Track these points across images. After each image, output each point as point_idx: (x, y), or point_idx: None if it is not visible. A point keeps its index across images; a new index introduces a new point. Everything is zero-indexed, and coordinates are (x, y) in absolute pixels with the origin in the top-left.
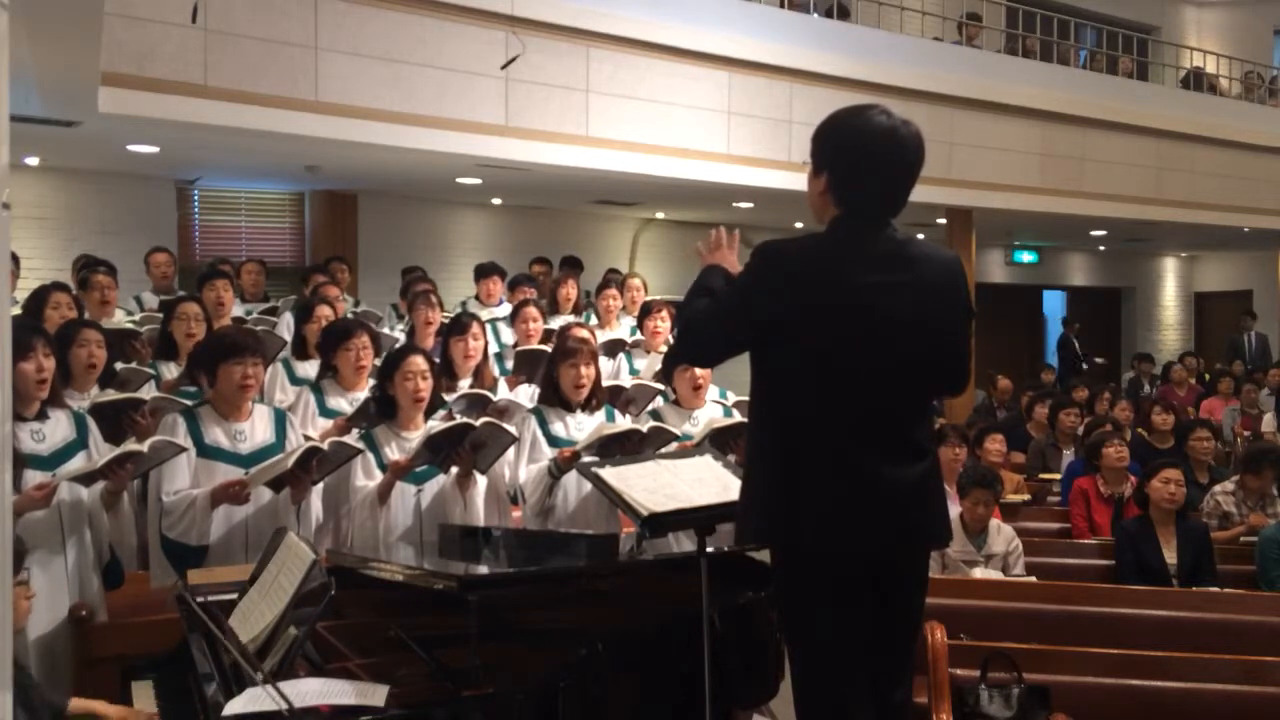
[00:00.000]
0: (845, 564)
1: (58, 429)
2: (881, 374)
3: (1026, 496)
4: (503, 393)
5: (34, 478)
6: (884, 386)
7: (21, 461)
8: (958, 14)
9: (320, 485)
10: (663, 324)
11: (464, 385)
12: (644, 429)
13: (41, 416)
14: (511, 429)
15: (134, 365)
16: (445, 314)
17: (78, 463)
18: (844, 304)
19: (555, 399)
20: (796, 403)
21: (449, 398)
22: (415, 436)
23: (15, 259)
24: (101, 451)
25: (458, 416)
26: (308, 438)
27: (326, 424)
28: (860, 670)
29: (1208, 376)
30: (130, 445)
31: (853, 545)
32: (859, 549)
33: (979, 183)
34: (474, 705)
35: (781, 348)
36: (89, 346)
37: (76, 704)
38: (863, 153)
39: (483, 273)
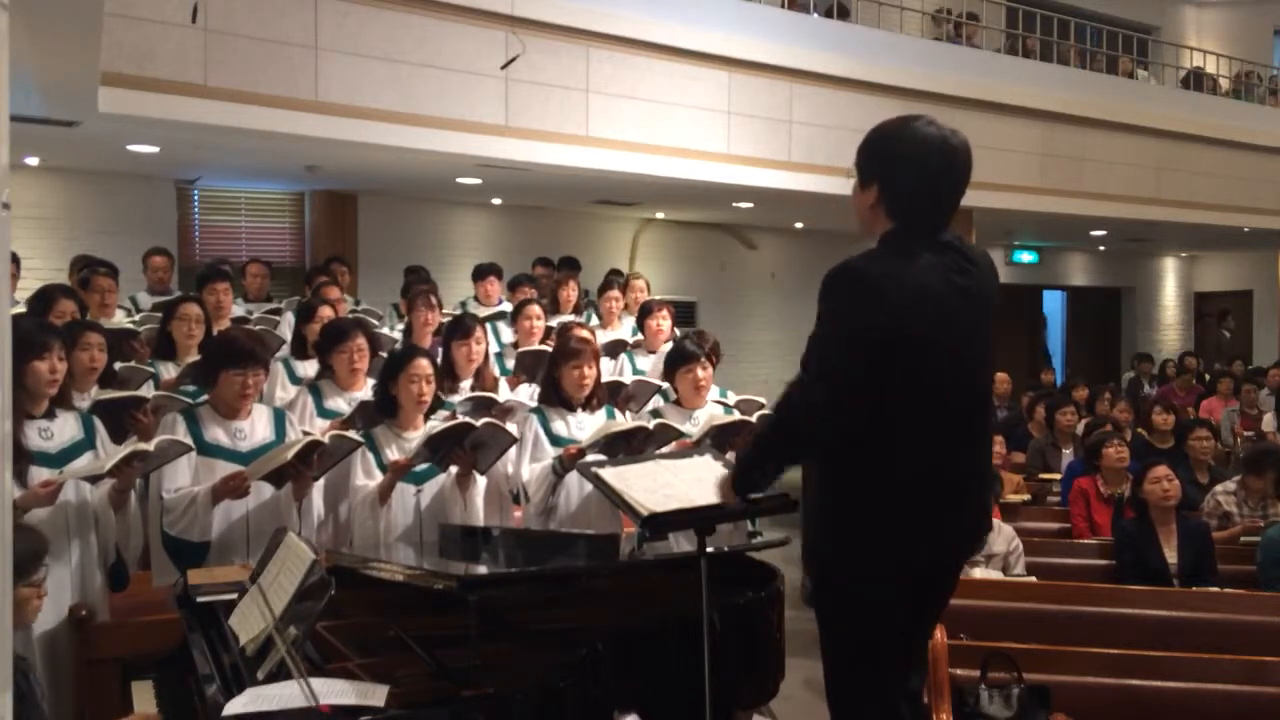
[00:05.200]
0: (932, 571)
1: (65, 428)
2: (974, 373)
3: (1026, 496)
4: (504, 393)
5: (40, 474)
6: (974, 383)
7: (28, 458)
8: (958, 14)
9: (321, 482)
10: (663, 323)
11: (465, 387)
12: (650, 426)
13: (49, 415)
14: (512, 429)
15: (133, 364)
16: (445, 314)
17: (84, 462)
18: (941, 312)
19: (556, 399)
20: (897, 422)
21: (455, 399)
22: (415, 437)
23: (16, 259)
24: (109, 452)
25: (460, 417)
26: (306, 434)
27: (324, 424)
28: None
29: (1207, 377)
30: (138, 445)
31: (960, 549)
32: (960, 555)
33: (979, 183)
34: (474, 705)
35: (877, 371)
36: (90, 350)
37: None
38: (916, 164)
39: (481, 274)
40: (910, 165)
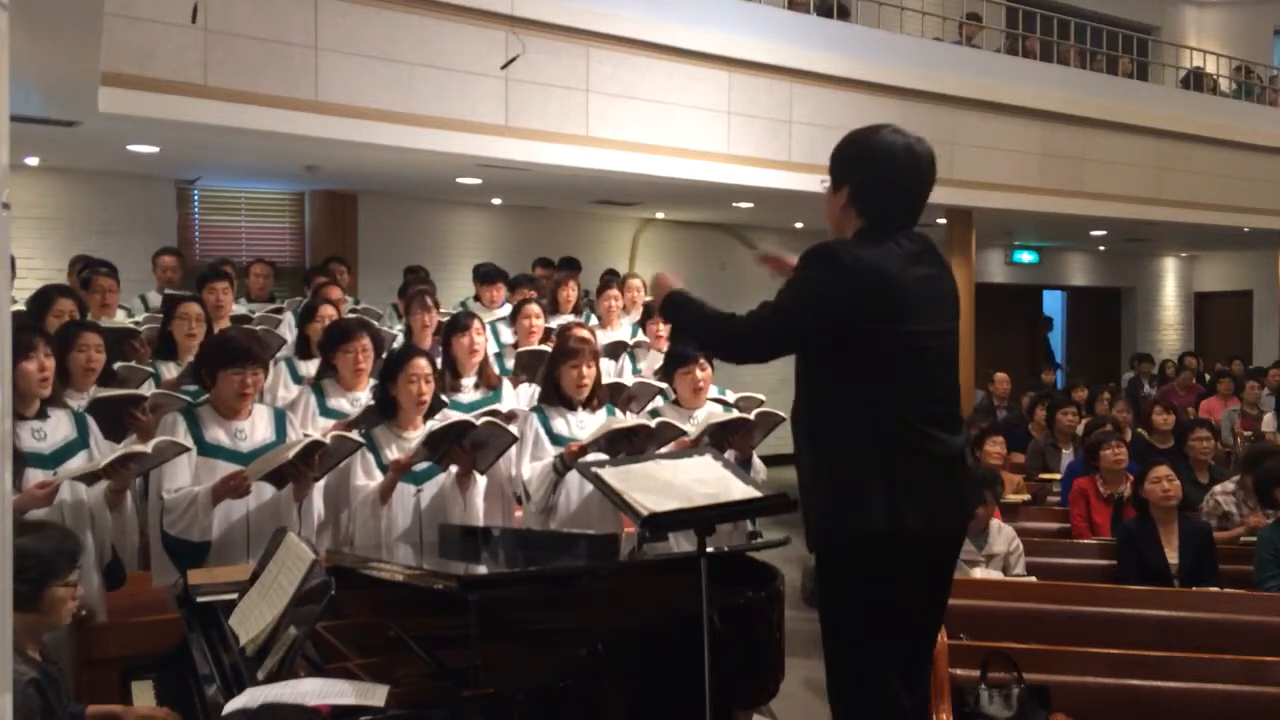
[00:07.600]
0: (935, 546)
1: (59, 428)
2: (940, 358)
3: (1026, 496)
4: (508, 392)
5: (35, 476)
6: (942, 368)
7: (22, 460)
8: (958, 14)
9: (321, 483)
10: (664, 326)
11: (468, 384)
12: (651, 424)
13: (42, 415)
14: (512, 429)
15: (133, 364)
16: (443, 314)
17: (78, 462)
18: (903, 297)
19: (556, 398)
20: (878, 395)
21: (460, 397)
22: (415, 437)
23: (11, 261)
24: (102, 451)
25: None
26: (307, 435)
27: (327, 424)
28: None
29: (1207, 377)
30: (134, 446)
31: (949, 524)
32: (953, 527)
33: (979, 183)
34: (474, 705)
35: (848, 345)
36: (88, 351)
37: (94, 710)
38: (883, 168)
39: (488, 278)
40: (878, 167)
